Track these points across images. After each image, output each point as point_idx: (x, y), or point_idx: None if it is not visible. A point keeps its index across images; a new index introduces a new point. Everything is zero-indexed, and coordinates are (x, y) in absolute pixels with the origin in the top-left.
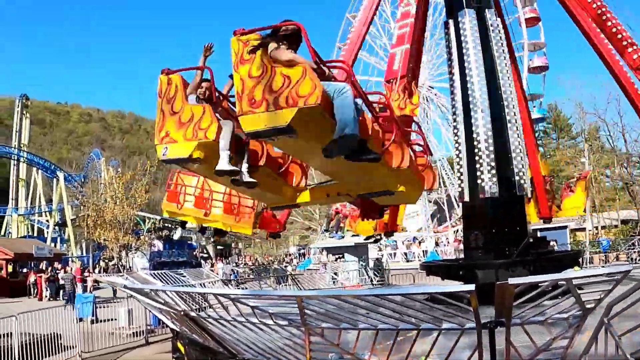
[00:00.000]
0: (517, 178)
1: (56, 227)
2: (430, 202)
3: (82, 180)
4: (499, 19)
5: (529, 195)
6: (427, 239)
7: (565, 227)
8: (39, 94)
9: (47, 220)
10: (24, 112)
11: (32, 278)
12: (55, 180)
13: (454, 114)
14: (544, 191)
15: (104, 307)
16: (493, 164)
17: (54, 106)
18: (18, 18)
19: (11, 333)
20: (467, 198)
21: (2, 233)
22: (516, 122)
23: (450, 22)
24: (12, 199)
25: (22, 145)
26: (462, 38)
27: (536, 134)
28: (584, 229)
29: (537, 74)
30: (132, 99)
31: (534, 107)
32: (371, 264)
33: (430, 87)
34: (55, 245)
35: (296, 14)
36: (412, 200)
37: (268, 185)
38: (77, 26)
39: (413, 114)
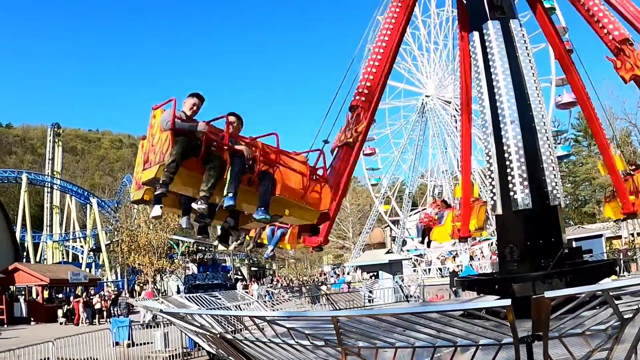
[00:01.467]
0: (549, 188)
1: (90, 253)
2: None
3: (116, 205)
4: (524, 29)
5: (562, 205)
6: (462, 253)
7: (601, 235)
8: (70, 122)
9: (82, 246)
10: (56, 140)
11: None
12: (88, 206)
13: (484, 127)
14: (623, 186)
15: (140, 330)
16: (525, 175)
17: (85, 133)
18: (45, 49)
19: (48, 358)
20: (499, 211)
21: (38, 259)
22: (546, 131)
23: (475, 34)
24: (47, 226)
25: (55, 173)
26: (488, 50)
27: (567, 142)
28: (620, 237)
29: (565, 109)
30: None
31: (559, 143)
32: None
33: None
34: (90, 271)
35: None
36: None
37: None
38: (105, 54)
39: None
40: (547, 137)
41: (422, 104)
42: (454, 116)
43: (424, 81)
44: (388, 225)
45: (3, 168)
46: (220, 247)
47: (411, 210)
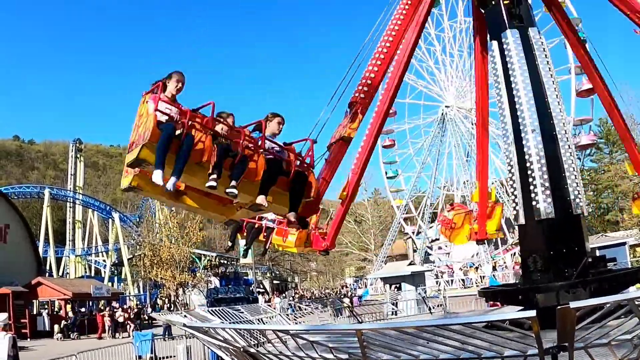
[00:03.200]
0: (572, 197)
1: (113, 267)
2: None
3: (137, 220)
4: (543, 37)
5: (585, 213)
6: (484, 264)
7: (624, 243)
8: (91, 137)
9: (104, 260)
10: (78, 156)
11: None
12: (110, 220)
13: (505, 136)
14: None
15: (163, 343)
16: (547, 184)
17: (107, 149)
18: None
19: None
20: (522, 220)
21: (60, 274)
22: (567, 139)
23: (494, 43)
24: (69, 240)
25: (77, 188)
26: (508, 59)
27: (589, 151)
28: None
29: (586, 97)
30: None
31: (583, 132)
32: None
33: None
34: (112, 285)
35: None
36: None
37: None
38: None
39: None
40: (569, 145)
41: (442, 114)
42: (471, 129)
43: (442, 93)
44: (410, 237)
45: (26, 183)
46: (242, 261)
47: (432, 221)
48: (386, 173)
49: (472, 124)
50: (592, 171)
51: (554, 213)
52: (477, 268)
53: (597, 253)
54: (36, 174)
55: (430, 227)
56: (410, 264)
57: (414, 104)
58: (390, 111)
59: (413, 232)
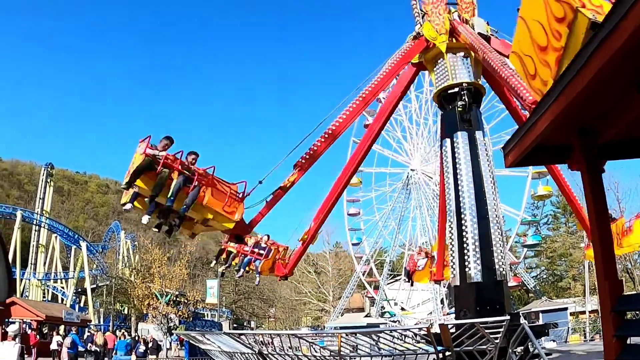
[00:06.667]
0: (497, 266)
1: (75, 294)
2: (442, 286)
3: (101, 250)
4: (486, 139)
5: (508, 280)
6: (437, 321)
7: (565, 309)
8: (58, 161)
9: (62, 287)
10: (49, 180)
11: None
12: (74, 248)
13: (449, 215)
14: None
15: None
16: (478, 255)
17: (73, 175)
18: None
19: None
20: (457, 282)
21: (19, 295)
22: (498, 221)
23: (447, 140)
24: (31, 264)
25: (44, 212)
26: (456, 155)
27: (545, 219)
28: (584, 312)
29: (540, 201)
30: None
31: (527, 234)
32: None
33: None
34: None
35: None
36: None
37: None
38: (96, 97)
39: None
40: (498, 226)
41: (407, 176)
42: (434, 190)
43: (410, 153)
44: (367, 291)
45: None
46: (208, 300)
47: (390, 277)
48: (351, 239)
49: (436, 185)
50: (549, 239)
51: (481, 278)
52: (431, 325)
53: (541, 316)
54: (0, 192)
55: (389, 284)
56: (366, 316)
57: (380, 172)
58: (356, 181)
59: (371, 285)
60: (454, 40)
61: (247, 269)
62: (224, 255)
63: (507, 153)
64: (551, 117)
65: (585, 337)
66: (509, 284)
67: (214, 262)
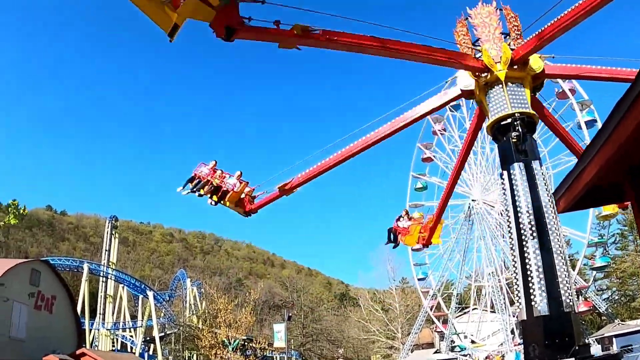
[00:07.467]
0: (563, 298)
1: (144, 343)
2: (512, 316)
3: (168, 299)
4: (544, 167)
5: (576, 311)
6: (508, 352)
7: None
8: (123, 213)
9: (131, 336)
10: (113, 232)
11: None
12: (141, 297)
13: (512, 249)
14: None
15: None
16: (543, 288)
17: (137, 226)
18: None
19: None
20: (524, 317)
21: (88, 347)
22: (562, 251)
23: (504, 173)
24: (100, 314)
25: (110, 264)
26: (514, 186)
27: (613, 239)
28: None
29: (605, 221)
30: (213, 219)
31: (595, 255)
32: None
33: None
34: None
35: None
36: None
37: None
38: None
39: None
40: (562, 257)
41: (469, 207)
42: (496, 219)
43: (470, 184)
44: (436, 326)
45: (57, 254)
46: (276, 344)
47: (459, 310)
48: (416, 274)
49: (498, 214)
50: (618, 259)
51: (548, 311)
52: (503, 357)
53: (614, 341)
54: (67, 245)
55: (457, 317)
56: (436, 352)
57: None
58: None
59: (439, 319)
60: (514, 69)
61: (215, 198)
62: (194, 182)
63: (558, 199)
64: (600, 163)
65: None
66: (580, 309)
67: (182, 187)
